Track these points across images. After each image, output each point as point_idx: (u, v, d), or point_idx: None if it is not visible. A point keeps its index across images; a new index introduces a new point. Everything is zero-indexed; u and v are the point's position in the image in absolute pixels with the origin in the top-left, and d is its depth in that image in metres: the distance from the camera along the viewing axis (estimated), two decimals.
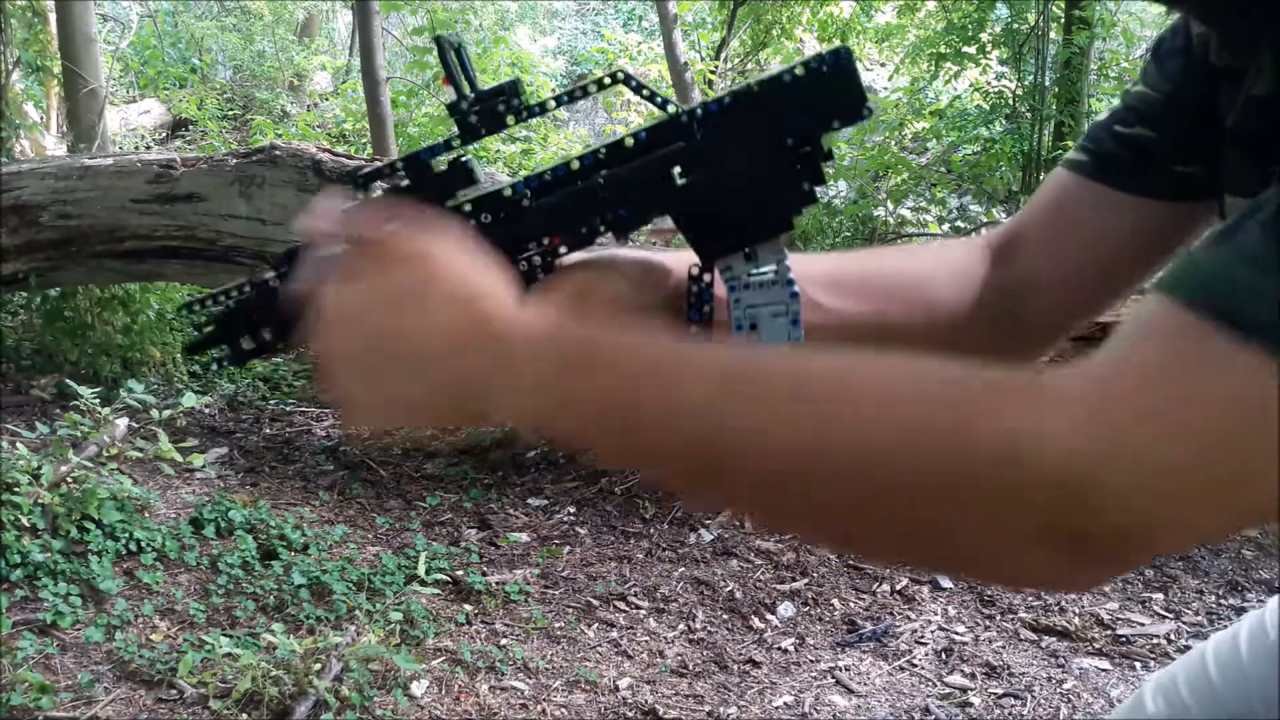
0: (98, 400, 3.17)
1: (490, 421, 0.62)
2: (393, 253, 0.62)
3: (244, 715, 2.25)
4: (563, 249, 0.71)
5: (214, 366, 0.75)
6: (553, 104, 0.70)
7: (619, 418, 0.57)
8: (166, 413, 3.27)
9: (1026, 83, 6.91)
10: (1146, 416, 0.49)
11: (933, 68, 7.48)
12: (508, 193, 0.71)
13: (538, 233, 0.71)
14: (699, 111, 0.68)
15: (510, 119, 0.69)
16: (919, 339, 0.81)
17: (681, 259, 0.74)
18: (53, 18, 7.23)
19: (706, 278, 0.72)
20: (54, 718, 2.21)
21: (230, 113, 9.89)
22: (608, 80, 0.69)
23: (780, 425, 0.53)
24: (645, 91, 0.69)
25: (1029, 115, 6.58)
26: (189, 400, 3.52)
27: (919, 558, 0.57)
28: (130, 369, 3.95)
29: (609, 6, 13.96)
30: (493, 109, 0.68)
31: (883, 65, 9.48)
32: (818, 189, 0.68)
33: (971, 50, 7.02)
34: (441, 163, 0.70)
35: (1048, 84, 6.52)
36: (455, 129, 0.69)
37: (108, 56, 8.65)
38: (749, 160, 0.68)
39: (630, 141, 0.69)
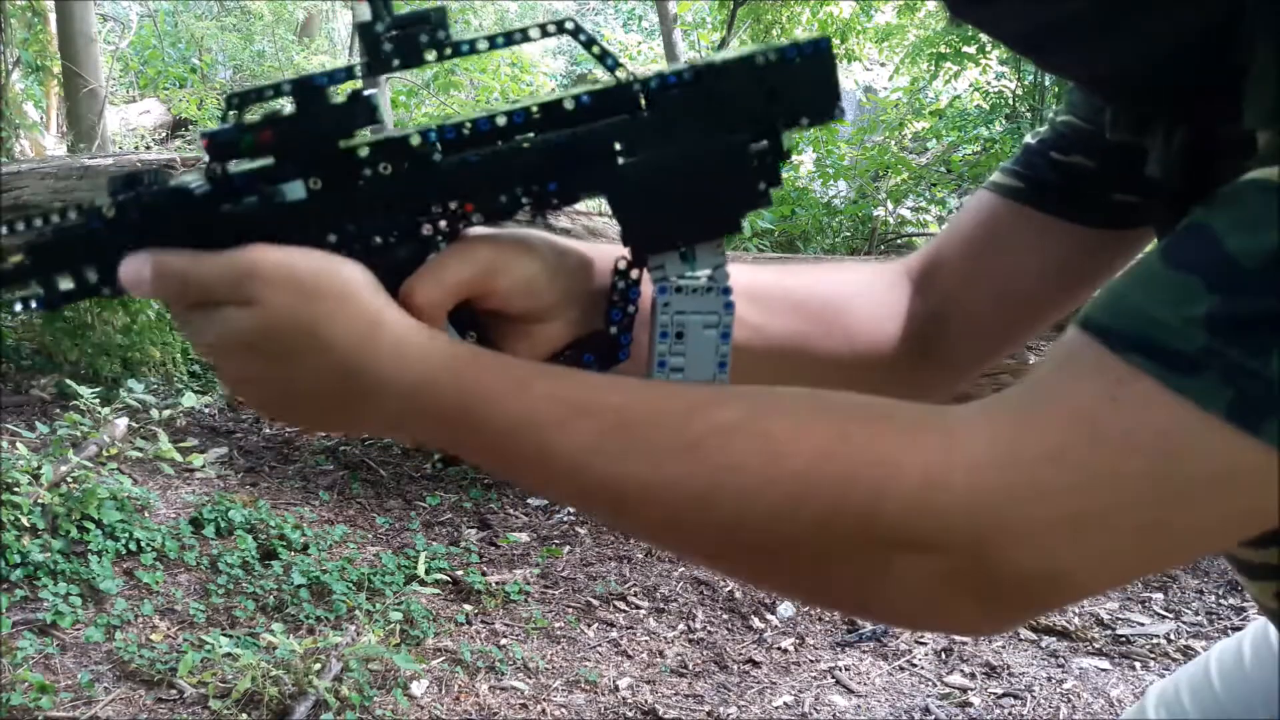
0: (98, 400, 3.17)
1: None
2: (239, 334, 0.57)
3: (244, 715, 2.25)
4: (474, 218, 0.62)
5: (21, 309, 0.62)
6: (484, 44, 0.60)
7: (504, 468, 0.58)
8: (166, 413, 3.27)
9: (1026, 83, 6.91)
10: (1055, 457, 0.48)
11: (933, 68, 7.48)
12: (415, 141, 0.60)
13: (446, 195, 0.61)
14: (653, 83, 0.60)
15: (430, 53, 0.59)
16: (839, 364, 0.78)
17: (604, 251, 0.68)
18: (53, 18, 7.23)
19: (634, 274, 0.65)
20: (54, 718, 2.21)
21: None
22: (552, 28, 0.60)
23: (668, 477, 0.53)
24: (596, 49, 0.60)
25: (1029, 115, 6.58)
26: (189, 400, 3.52)
27: (823, 601, 0.59)
28: (130, 369, 3.95)
29: (609, 6, 13.96)
30: (412, 37, 0.58)
31: (883, 65, 9.48)
32: (773, 191, 0.61)
33: (971, 50, 7.02)
34: (339, 93, 0.60)
35: (1048, 84, 6.52)
36: (363, 55, 0.59)
37: (108, 56, 8.65)
38: (701, 148, 0.60)
39: (570, 104, 0.60)
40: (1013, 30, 0.62)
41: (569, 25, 0.59)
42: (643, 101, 0.60)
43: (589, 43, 0.60)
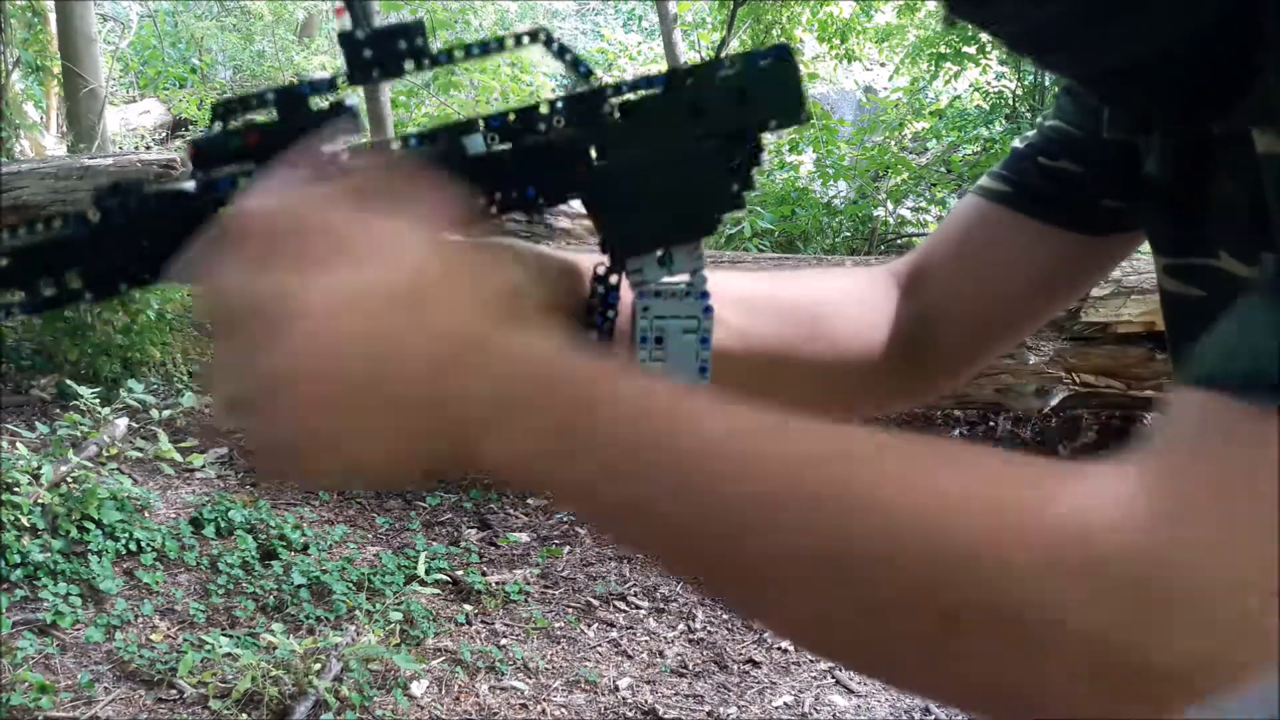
0: (98, 400, 3.17)
1: (475, 466, 0.51)
2: (374, 240, 0.49)
3: (244, 715, 2.26)
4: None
5: (4, 315, 0.59)
6: (461, 54, 0.60)
7: (626, 491, 0.48)
8: (166, 413, 3.27)
9: (1026, 83, 6.91)
10: (1212, 521, 0.41)
11: (933, 68, 7.49)
12: (395, 147, 0.61)
13: None
14: (626, 88, 0.61)
15: (409, 63, 0.58)
16: (824, 368, 0.78)
17: (587, 258, 0.67)
18: (53, 18, 7.23)
19: (614, 279, 0.64)
20: (54, 718, 2.22)
21: None
22: (526, 39, 0.60)
23: (808, 525, 0.45)
24: (568, 56, 0.61)
25: (1029, 115, 6.58)
26: (189, 400, 3.52)
27: (945, 689, 0.48)
28: (130, 369, 3.95)
29: (609, 6, 13.96)
30: (392, 48, 0.58)
31: (883, 65, 9.48)
32: (746, 194, 0.62)
33: (971, 50, 7.02)
34: (321, 102, 0.60)
35: (1048, 84, 6.53)
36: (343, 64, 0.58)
37: (108, 56, 8.65)
38: (675, 151, 0.61)
39: (545, 109, 0.61)
40: (1010, 29, 0.62)
41: (542, 36, 0.60)
42: (616, 107, 0.61)
43: (561, 52, 0.61)
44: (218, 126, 0.60)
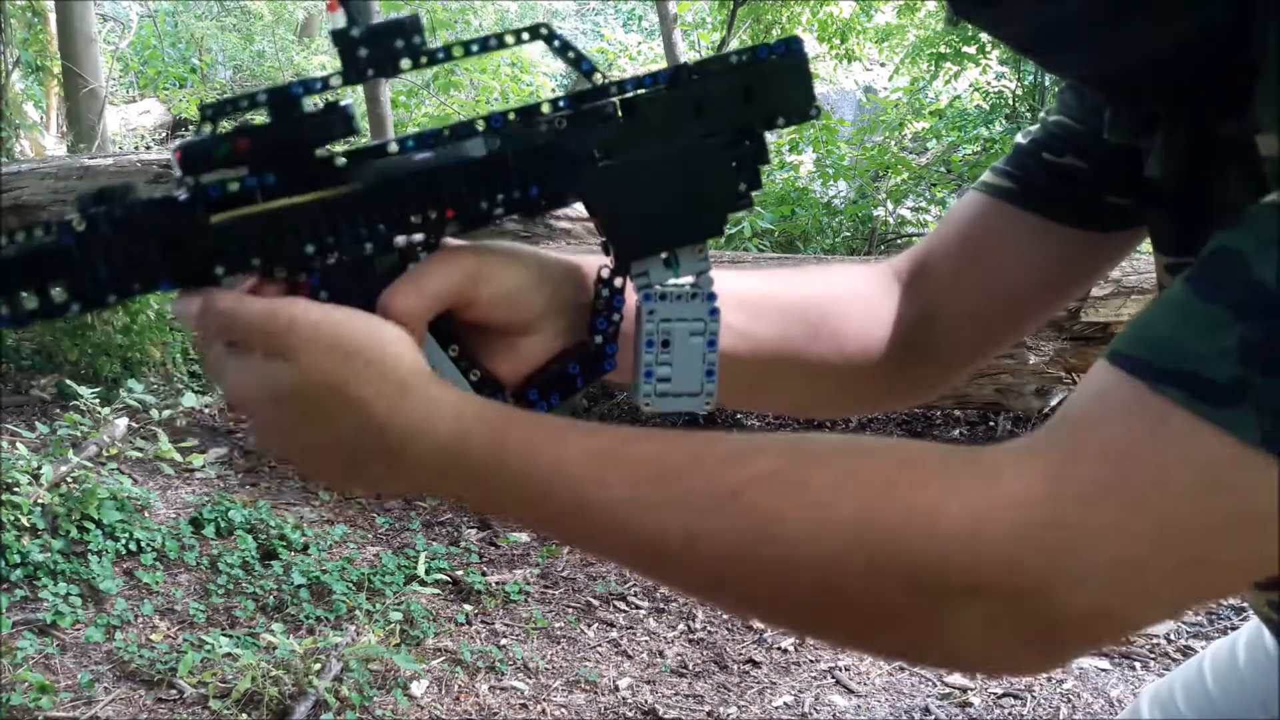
0: (98, 400, 3.17)
1: None
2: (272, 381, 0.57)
3: (244, 715, 2.26)
4: (449, 228, 0.61)
5: None
6: (460, 51, 0.58)
7: (543, 521, 0.57)
8: (166, 413, 3.27)
9: (1026, 83, 6.91)
10: (1097, 497, 0.48)
11: (933, 68, 7.48)
12: (393, 149, 0.59)
13: (425, 204, 0.59)
14: (630, 86, 0.60)
15: (405, 61, 0.57)
16: (828, 367, 0.78)
17: (590, 261, 0.67)
18: (53, 18, 7.23)
19: (618, 282, 0.64)
20: (54, 718, 2.22)
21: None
22: (526, 35, 0.59)
23: (709, 528, 0.52)
24: (571, 54, 0.59)
25: (1029, 115, 6.58)
26: (189, 400, 3.52)
27: (875, 648, 0.58)
28: (130, 369, 3.95)
29: (609, 6, 13.96)
30: (388, 46, 0.57)
31: (883, 65, 9.48)
32: (754, 193, 0.62)
33: (971, 50, 7.02)
34: (315, 103, 0.59)
35: (1048, 84, 6.52)
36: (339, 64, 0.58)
37: (108, 56, 8.65)
38: (680, 150, 0.60)
39: (547, 108, 0.60)
40: (1019, 29, 0.62)
41: (543, 31, 0.59)
42: (620, 105, 0.60)
43: (563, 49, 0.59)
44: (206, 130, 0.58)
